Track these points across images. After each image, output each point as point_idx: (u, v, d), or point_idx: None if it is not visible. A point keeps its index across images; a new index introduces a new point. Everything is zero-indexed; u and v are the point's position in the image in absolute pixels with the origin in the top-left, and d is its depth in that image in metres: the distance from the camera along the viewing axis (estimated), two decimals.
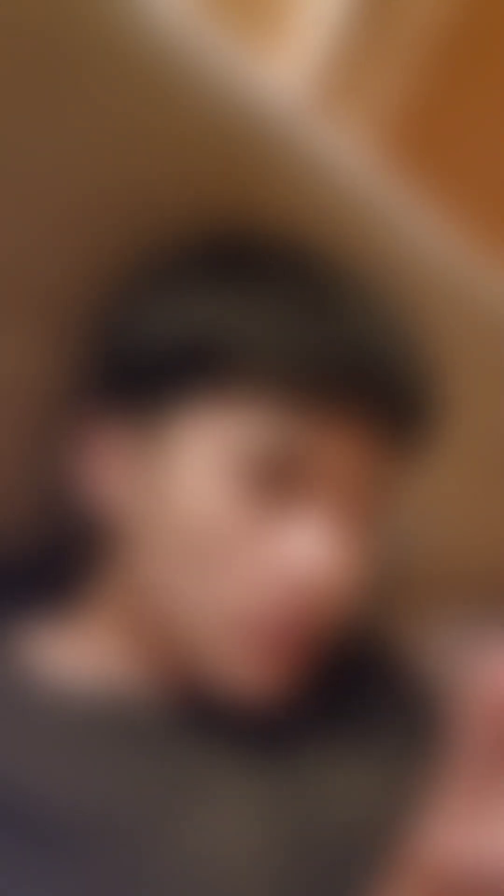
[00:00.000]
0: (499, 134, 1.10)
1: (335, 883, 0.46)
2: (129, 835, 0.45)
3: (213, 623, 0.49)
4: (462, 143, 1.08)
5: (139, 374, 0.50)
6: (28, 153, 0.51)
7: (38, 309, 0.54)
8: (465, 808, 0.36)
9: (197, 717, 0.50)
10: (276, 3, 1.04)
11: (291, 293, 0.50)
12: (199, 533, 0.48)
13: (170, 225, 0.54)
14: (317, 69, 1.03)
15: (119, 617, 0.52)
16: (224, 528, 0.48)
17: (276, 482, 0.49)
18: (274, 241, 0.54)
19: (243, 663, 0.49)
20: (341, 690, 0.55)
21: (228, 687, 0.49)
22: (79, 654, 0.52)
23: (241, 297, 0.49)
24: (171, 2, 0.52)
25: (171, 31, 0.52)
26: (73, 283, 0.54)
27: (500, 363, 0.70)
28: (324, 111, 0.63)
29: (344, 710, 0.54)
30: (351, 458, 0.50)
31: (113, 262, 0.54)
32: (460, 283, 0.66)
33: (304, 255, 0.54)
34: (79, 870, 0.44)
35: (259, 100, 0.55)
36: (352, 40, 1.05)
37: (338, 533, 0.50)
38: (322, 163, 0.58)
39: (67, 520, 0.55)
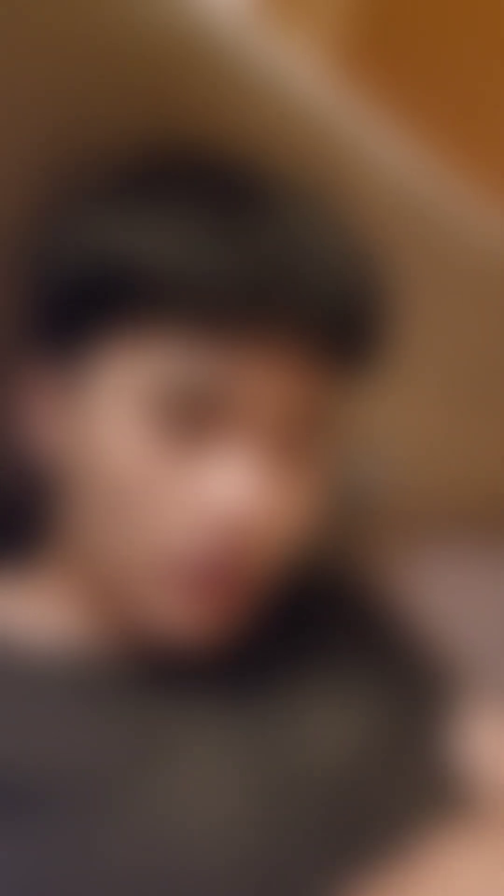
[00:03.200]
0: (452, 42, 1.07)
1: (318, 825, 0.45)
2: (100, 791, 0.44)
3: (143, 568, 0.47)
4: (415, 53, 1.06)
5: (61, 307, 0.48)
6: None
7: None
8: None
9: (154, 669, 0.49)
10: None
11: (220, 216, 0.47)
12: (120, 477, 0.47)
13: (101, 145, 0.51)
14: None
15: (69, 569, 0.51)
16: (144, 471, 0.47)
17: (197, 418, 0.47)
18: (209, 161, 0.52)
19: (177, 607, 0.47)
20: (305, 628, 0.55)
21: (168, 633, 0.48)
22: (35, 608, 0.51)
23: (162, 220, 0.47)
24: None
25: None
26: (2, 215, 0.51)
27: (460, 279, 0.69)
28: (269, 21, 0.60)
29: (310, 648, 0.53)
30: (282, 387, 0.48)
31: (40, 188, 0.51)
32: (415, 198, 0.65)
33: (241, 176, 0.51)
34: (50, 831, 0.43)
35: (199, 9, 0.52)
36: None
37: (269, 466, 0.48)
38: (267, 75, 0.55)
39: (17, 471, 0.53)
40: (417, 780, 0.50)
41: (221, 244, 0.46)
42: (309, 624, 0.55)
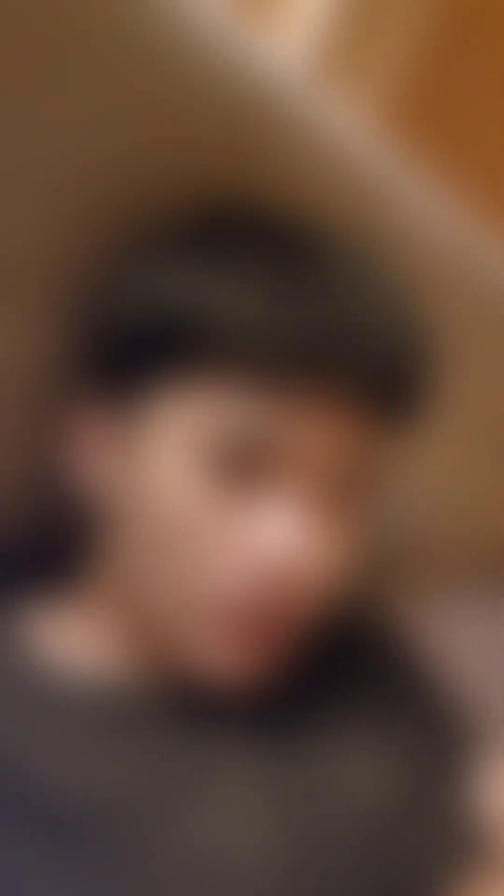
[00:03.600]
0: (501, 106, 1.09)
1: (348, 868, 0.46)
2: (133, 824, 0.44)
3: (187, 610, 0.48)
4: (464, 116, 1.07)
5: (119, 353, 0.50)
6: (20, 126, 0.49)
7: (29, 288, 0.53)
8: None
9: (189, 706, 0.50)
10: None
11: (278, 271, 0.49)
12: (171, 519, 0.48)
13: (162, 199, 0.53)
14: (318, 40, 1.02)
15: (110, 602, 0.52)
16: (195, 514, 0.48)
17: (250, 465, 0.48)
18: (267, 217, 0.53)
19: (218, 650, 0.48)
20: (339, 673, 0.55)
21: (207, 674, 0.49)
22: (75, 639, 0.52)
23: (222, 274, 0.48)
24: None
25: (173, 1, 0.51)
26: (66, 261, 0.53)
27: (500, 339, 0.70)
28: (325, 83, 0.62)
29: (343, 693, 0.54)
30: (332, 440, 0.49)
31: (106, 238, 0.53)
32: (461, 258, 0.66)
33: (298, 232, 0.52)
34: (82, 858, 0.43)
35: (259, 70, 0.54)
36: (354, 12, 1.03)
37: (316, 515, 0.49)
38: (322, 135, 0.57)
39: (61, 504, 0.55)
40: (442, 826, 0.50)
41: (278, 301, 0.47)
42: (340, 668, 0.55)
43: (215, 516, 0.48)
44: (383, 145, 0.61)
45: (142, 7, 0.50)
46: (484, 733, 0.56)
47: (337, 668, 0.55)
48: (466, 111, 1.08)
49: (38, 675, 0.49)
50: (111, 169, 0.52)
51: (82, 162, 0.51)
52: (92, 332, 0.51)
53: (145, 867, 0.43)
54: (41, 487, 0.55)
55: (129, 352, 0.49)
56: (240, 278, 0.48)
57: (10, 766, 0.45)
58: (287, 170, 0.56)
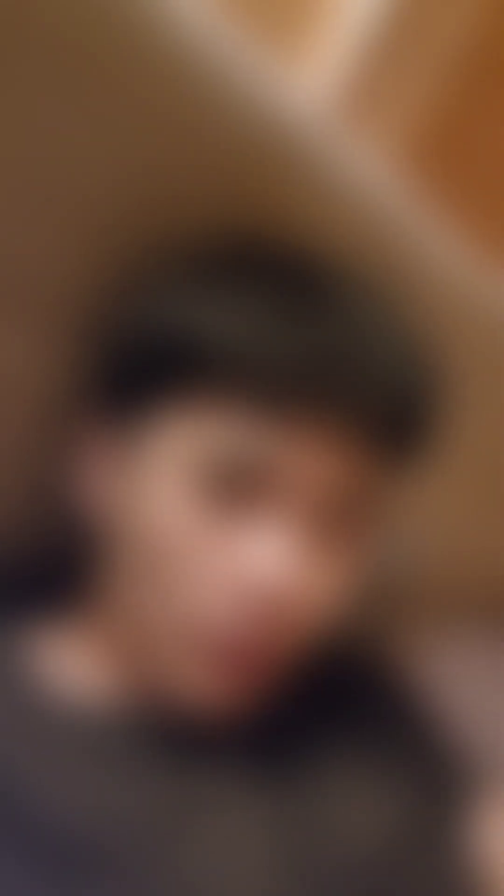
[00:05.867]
0: None
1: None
2: (126, 852, 0.44)
3: (175, 634, 0.48)
4: (484, 157, 1.08)
5: (125, 374, 0.50)
6: (35, 155, 0.50)
7: (40, 309, 0.53)
8: None
9: (177, 734, 0.50)
10: (305, 12, 1.04)
11: (282, 300, 0.49)
12: (162, 542, 0.48)
13: (175, 227, 0.54)
14: (342, 78, 1.03)
15: (107, 625, 0.52)
16: (187, 536, 0.48)
17: (244, 489, 0.48)
18: (280, 248, 0.54)
19: (203, 676, 0.48)
20: (336, 709, 0.55)
21: (192, 701, 0.49)
22: (75, 662, 0.52)
23: (227, 301, 0.49)
24: (199, 4, 0.52)
25: (195, 33, 0.51)
26: (77, 284, 0.53)
27: None
28: (347, 120, 0.62)
29: (340, 728, 0.53)
30: (329, 468, 0.48)
31: (117, 263, 0.53)
32: (474, 298, 0.66)
33: (307, 263, 0.53)
34: (77, 884, 0.43)
35: (281, 105, 0.55)
36: (378, 52, 1.05)
37: (308, 543, 0.48)
38: (340, 171, 0.58)
39: (66, 525, 0.55)
40: (439, 866, 0.49)
41: (284, 329, 0.48)
42: (338, 703, 0.55)
43: (206, 539, 0.48)
44: (399, 182, 0.61)
45: (164, 43, 0.50)
46: (482, 774, 0.56)
47: (334, 703, 0.55)
48: (486, 152, 1.09)
49: (37, 698, 0.49)
50: (127, 194, 0.53)
51: (99, 186, 0.52)
52: (100, 353, 0.52)
53: (138, 893, 0.43)
54: (46, 508, 0.56)
55: (133, 373, 0.50)
56: (243, 305, 0.48)
57: (6, 788, 0.45)
58: (301, 202, 0.56)
